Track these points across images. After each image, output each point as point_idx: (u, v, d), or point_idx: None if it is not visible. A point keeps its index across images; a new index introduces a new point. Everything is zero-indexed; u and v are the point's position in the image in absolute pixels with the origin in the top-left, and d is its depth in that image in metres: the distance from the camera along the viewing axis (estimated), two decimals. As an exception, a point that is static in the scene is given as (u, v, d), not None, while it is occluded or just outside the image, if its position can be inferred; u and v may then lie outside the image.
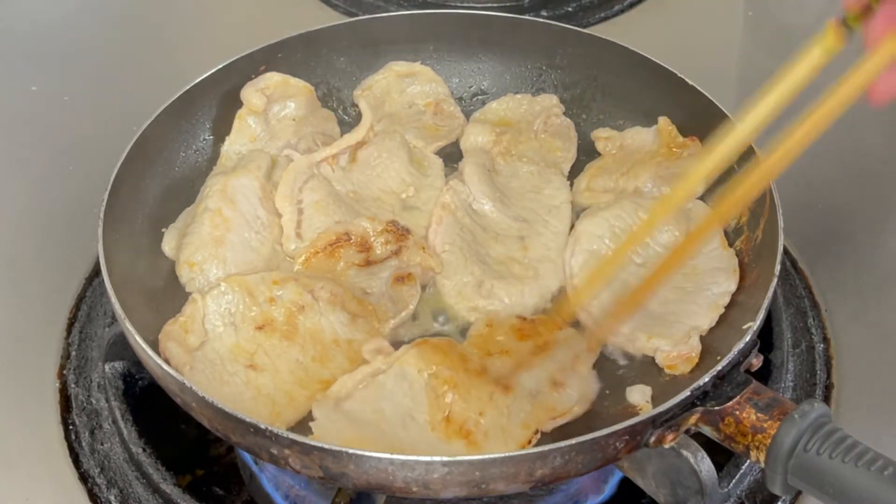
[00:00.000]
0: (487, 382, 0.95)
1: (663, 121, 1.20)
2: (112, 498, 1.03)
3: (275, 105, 1.22)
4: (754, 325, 0.92)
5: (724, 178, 1.14)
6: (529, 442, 0.92)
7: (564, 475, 0.85)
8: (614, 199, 1.15)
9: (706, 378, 0.86)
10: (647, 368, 1.00)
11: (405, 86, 1.32)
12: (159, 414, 1.05)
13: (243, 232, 1.08)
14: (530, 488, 0.86)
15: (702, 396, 0.87)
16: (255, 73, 1.24)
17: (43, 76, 1.54)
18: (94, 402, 1.11)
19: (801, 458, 0.80)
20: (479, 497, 0.86)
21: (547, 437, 0.93)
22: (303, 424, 0.94)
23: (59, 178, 1.37)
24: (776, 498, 1.01)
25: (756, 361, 0.93)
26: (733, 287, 1.04)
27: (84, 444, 1.07)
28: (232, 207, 1.09)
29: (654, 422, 0.85)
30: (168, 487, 1.01)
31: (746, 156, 0.92)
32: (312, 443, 0.81)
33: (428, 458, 0.80)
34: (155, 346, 0.96)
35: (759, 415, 0.84)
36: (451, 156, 1.26)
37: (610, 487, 1.05)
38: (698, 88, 1.16)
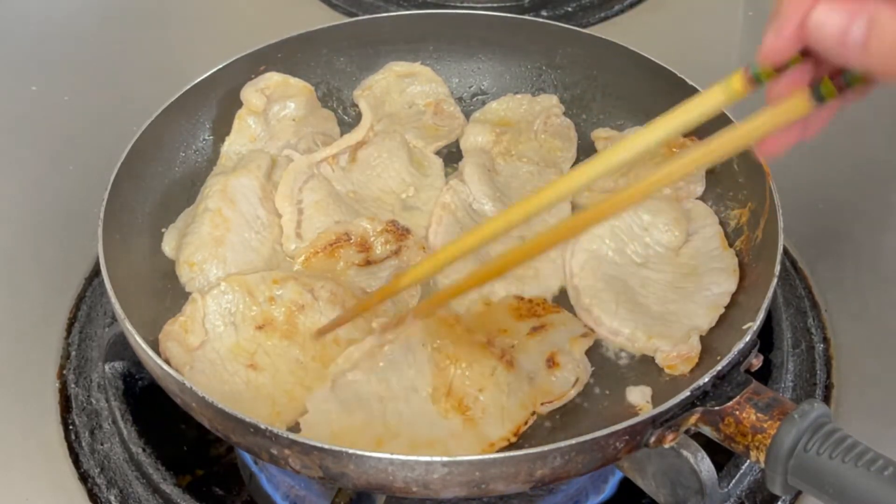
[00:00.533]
0: (491, 357, 0.95)
1: (663, 121, 1.20)
2: (112, 498, 1.03)
3: (275, 105, 1.22)
4: (754, 325, 0.92)
5: (723, 178, 1.15)
6: (526, 423, 0.93)
7: (564, 475, 0.85)
8: (614, 199, 1.15)
9: (706, 378, 0.86)
10: (647, 368, 1.00)
11: (405, 86, 1.32)
12: (159, 414, 1.05)
13: (243, 232, 1.08)
14: (530, 488, 0.86)
15: (702, 396, 0.87)
16: (255, 73, 1.24)
17: (43, 76, 1.54)
18: (93, 402, 1.11)
19: (801, 459, 0.80)
20: (479, 497, 0.86)
21: (547, 437, 0.94)
22: (303, 424, 0.94)
23: (59, 178, 1.37)
24: (776, 498, 1.01)
25: (756, 361, 0.93)
26: (733, 287, 1.04)
27: (84, 444, 1.07)
28: (232, 207, 1.09)
29: (654, 422, 0.85)
30: (168, 487, 1.01)
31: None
32: (312, 443, 0.81)
33: (428, 459, 0.80)
34: (155, 346, 0.96)
35: (759, 415, 0.84)
36: (451, 156, 1.26)
37: (610, 487, 1.05)
38: (698, 88, 1.16)
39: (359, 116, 1.26)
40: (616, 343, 1.02)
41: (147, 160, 1.13)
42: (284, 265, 1.09)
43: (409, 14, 1.33)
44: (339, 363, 0.95)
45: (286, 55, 1.26)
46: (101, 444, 1.07)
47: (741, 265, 1.06)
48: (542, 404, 0.95)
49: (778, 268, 0.96)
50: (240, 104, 1.22)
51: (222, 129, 1.22)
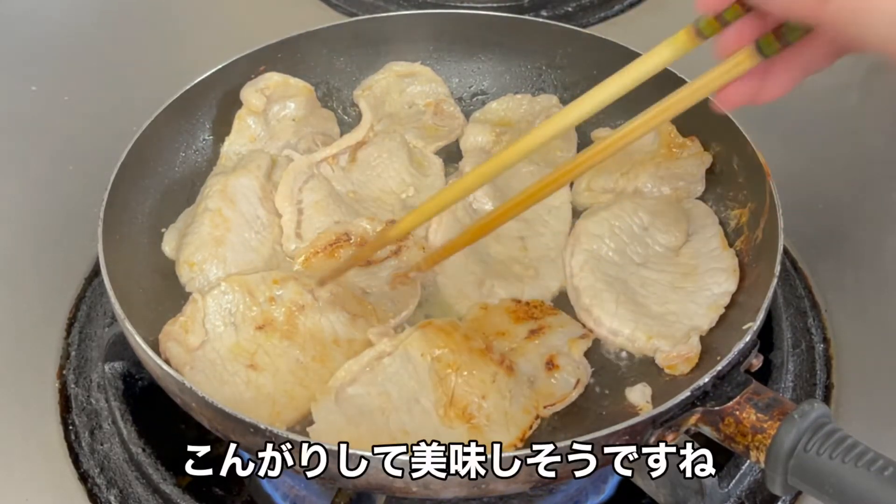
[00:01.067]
0: (491, 363, 0.95)
1: (663, 121, 1.20)
2: (112, 498, 1.03)
3: (275, 105, 1.22)
4: (754, 325, 0.92)
5: (723, 178, 1.15)
6: (530, 427, 0.93)
7: (565, 475, 0.85)
8: (614, 199, 1.15)
9: (706, 378, 0.86)
10: (647, 368, 1.00)
11: (405, 86, 1.32)
12: (159, 414, 1.04)
13: (243, 232, 1.08)
14: (530, 488, 0.86)
15: (702, 396, 0.87)
16: (255, 73, 1.24)
17: (43, 76, 1.54)
18: (93, 402, 1.11)
19: (801, 459, 0.80)
20: (479, 497, 0.86)
21: (547, 437, 0.94)
22: (303, 424, 0.94)
23: (59, 179, 1.36)
24: (776, 498, 1.01)
25: (756, 362, 0.93)
26: (733, 287, 1.04)
27: (84, 444, 1.07)
28: (232, 207, 1.09)
29: (654, 422, 0.85)
30: (168, 487, 1.01)
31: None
32: (312, 442, 0.81)
33: (428, 459, 0.80)
34: (155, 346, 0.96)
35: (759, 415, 0.84)
36: (451, 156, 1.26)
37: (610, 487, 1.05)
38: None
39: (359, 116, 1.26)
40: (616, 343, 1.02)
41: (147, 160, 1.13)
42: (284, 265, 1.09)
43: (408, 14, 1.33)
44: (339, 376, 0.94)
45: (286, 55, 1.26)
46: (101, 445, 1.07)
47: (741, 265, 1.06)
48: (544, 407, 0.95)
49: (778, 268, 0.96)
50: (240, 104, 1.22)
51: (222, 129, 1.22)
